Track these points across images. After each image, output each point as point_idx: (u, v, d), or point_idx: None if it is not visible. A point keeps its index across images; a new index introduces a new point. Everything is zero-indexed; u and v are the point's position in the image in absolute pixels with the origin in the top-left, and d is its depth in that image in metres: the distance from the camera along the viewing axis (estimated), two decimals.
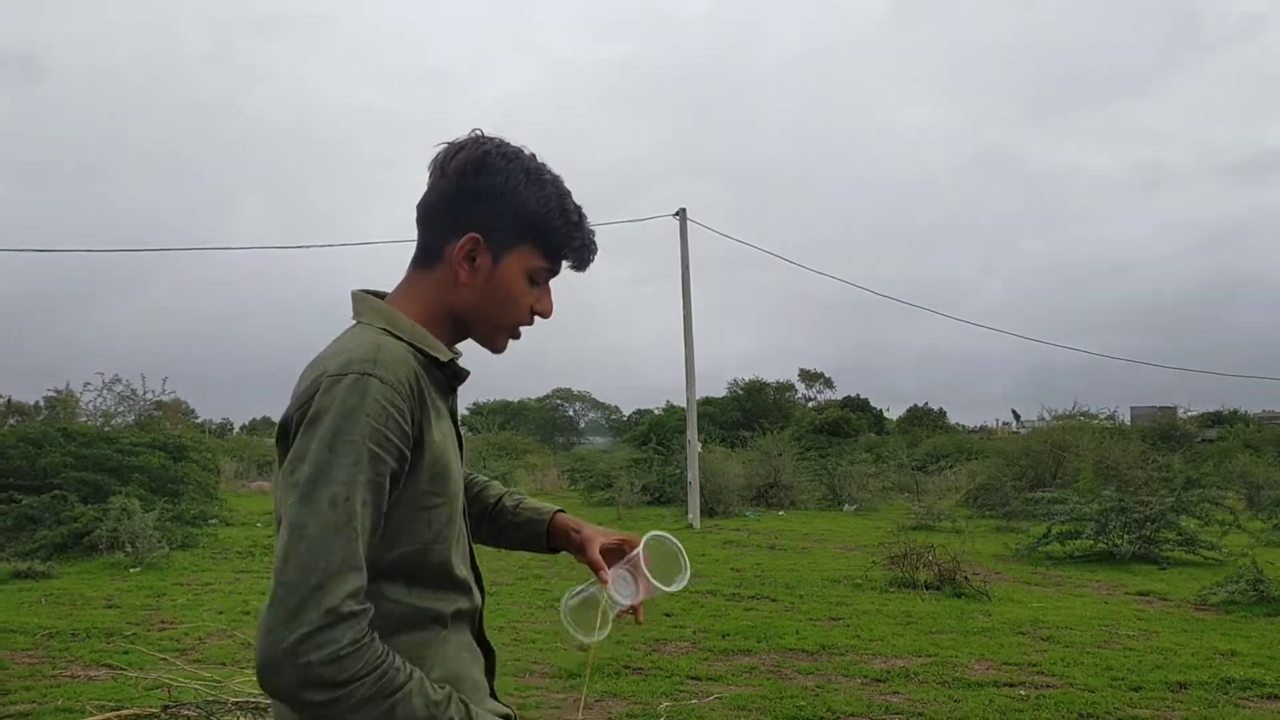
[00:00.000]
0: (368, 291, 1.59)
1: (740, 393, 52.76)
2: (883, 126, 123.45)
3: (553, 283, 1.65)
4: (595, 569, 1.76)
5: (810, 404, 60.28)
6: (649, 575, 1.73)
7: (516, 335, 1.65)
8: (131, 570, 11.74)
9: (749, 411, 47.06)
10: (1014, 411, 45.55)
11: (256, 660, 1.24)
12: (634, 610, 1.77)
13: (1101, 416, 28.50)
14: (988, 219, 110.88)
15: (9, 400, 24.13)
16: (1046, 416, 27.97)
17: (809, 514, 22.43)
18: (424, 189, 1.59)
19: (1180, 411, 44.40)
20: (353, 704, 1.25)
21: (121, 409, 22.06)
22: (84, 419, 21.50)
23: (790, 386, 58.89)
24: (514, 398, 62.38)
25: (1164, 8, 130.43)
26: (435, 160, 1.57)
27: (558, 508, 1.94)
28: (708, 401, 48.41)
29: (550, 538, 1.88)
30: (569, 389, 70.71)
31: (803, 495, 24.40)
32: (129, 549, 12.24)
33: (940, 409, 59.43)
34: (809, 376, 62.56)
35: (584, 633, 1.73)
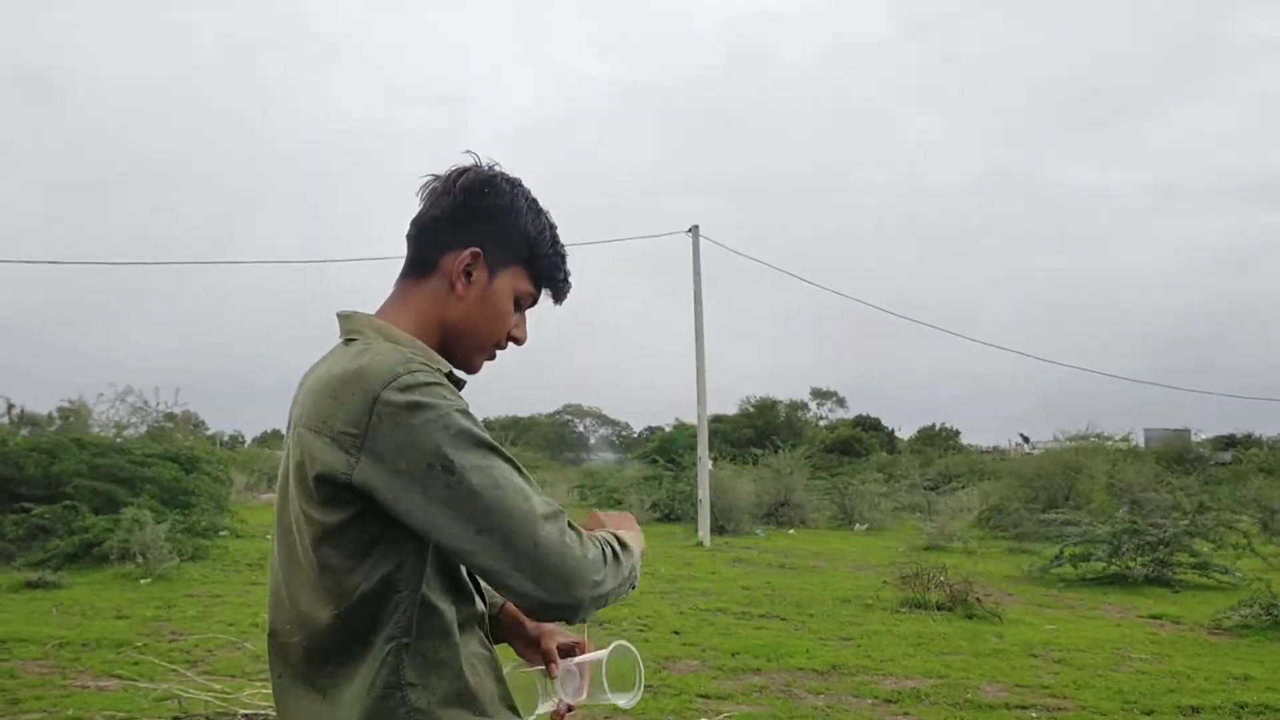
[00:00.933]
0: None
1: (751, 410, 52.66)
2: (893, 144, 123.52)
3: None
4: (547, 659, 1.72)
5: (822, 422, 60.18)
6: (605, 682, 1.65)
7: (493, 356, 1.67)
8: (142, 581, 11.75)
9: (760, 429, 46.97)
10: (1022, 435, 45.41)
11: (556, 608, 1.39)
12: (568, 709, 1.71)
13: (1115, 438, 28.37)
14: (998, 238, 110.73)
15: (22, 411, 24.19)
16: (1059, 437, 27.90)
17: (820, 533, 22.38)
18: (420, 209, 1.62)
19: (1194, 434, 44.27)
20: (613, 585, 1.45)
21: (134, 420, 22.19)
22: (97, 430, 21.60)
23: (802, 405, 58.84)
24: (524, 413, 62.43)
25: (1176, 29, 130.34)
26: (435, 182, 1.61)
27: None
28: (719, 419, 48.33)
29: (496, 625, 1.77)
30: (579, 405, 70.78)
31: (814, 514, 24.35)
32: (140, 560, 12.26)
33: (952, 429, 59.24)
34: (821, 395, 62.50)
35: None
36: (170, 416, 24.44)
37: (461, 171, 1.60)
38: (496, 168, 1.63)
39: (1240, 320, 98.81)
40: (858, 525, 23.78)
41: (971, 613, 10.39)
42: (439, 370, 1.44)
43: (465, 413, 1.38)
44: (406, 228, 1.63)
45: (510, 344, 1.68)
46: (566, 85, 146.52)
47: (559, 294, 1.69)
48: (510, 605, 1.77)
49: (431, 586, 1.44)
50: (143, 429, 22.31)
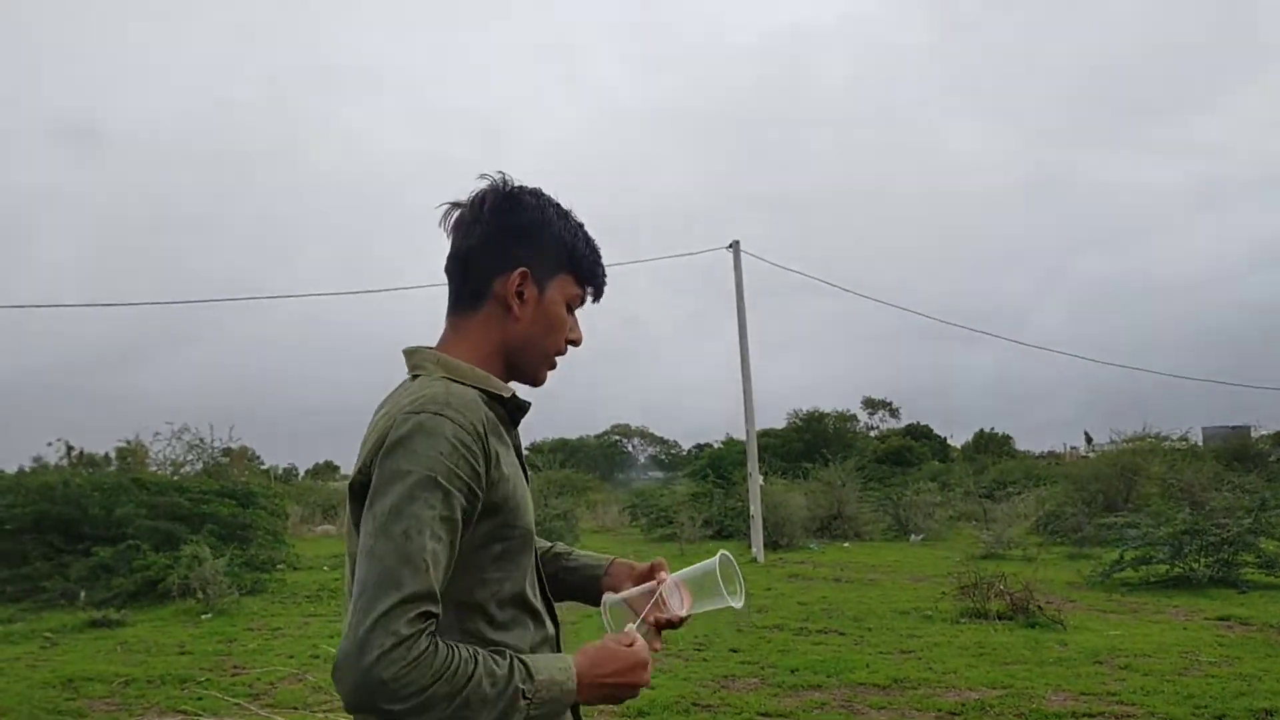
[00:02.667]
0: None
1: (800, 423, 52.34)
2: (934, 149, 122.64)
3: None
4: (655, 570, 1.81)
5: (873, 433, 59.68)
6: (720, 585, 1.75)
7: (554, 365, 1.73)
8: (203, 617, 11.90)
9: (809, 442, 46.68)
10: (1086, 434, 44.64)
11: (339, 681, 1.31)
12: (670, 623, 1.75)
13: (1173, 438, 27.86)
14: (1045, 238, 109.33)
15: (81, 452, 24.63)
16: (1115, 439, 27.45)
17: (874, 545, 22.18)
18: (452, 242, 1.67)
19: (1254, 430, 43.33)
20: (432, 706, 1.31)
21: (190, 457, 22.47)
22: (154, 468, 21.92)
23: (852, 416, 58.35)
24: (573, 435, 62.54)
25: (1220, 19, 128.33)
26: (461, 211, 1.66)
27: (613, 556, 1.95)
28: (767, 433, 48.10)
29: (604, 579, 1.90)
30: (627, 425, 70.76)
31: (867, 526, 24.12)
32: (200, 595, 12.42)
33: (1005, 434, 58.48)
34: (872, 404, 61.99)
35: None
36: (226, 452, 24.74)
37: (484, 196, 1.64)
38: (514, 182, 1.67)
39: None
40: (913, 536, 23.53)
41: (1033, 621, 10.24)
42: (484, 400, 1.52)
43: (452, 466, 1.40)
44: (443, 262, 1.68)
45: (570, 347, 1.74)
46: (603, 107, 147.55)
47: (599, 292, 1.75)
48: (619, 564, 1.90)
49: (481, 618, 1.49)
50: (199, 466, 22.60)
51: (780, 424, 52.61)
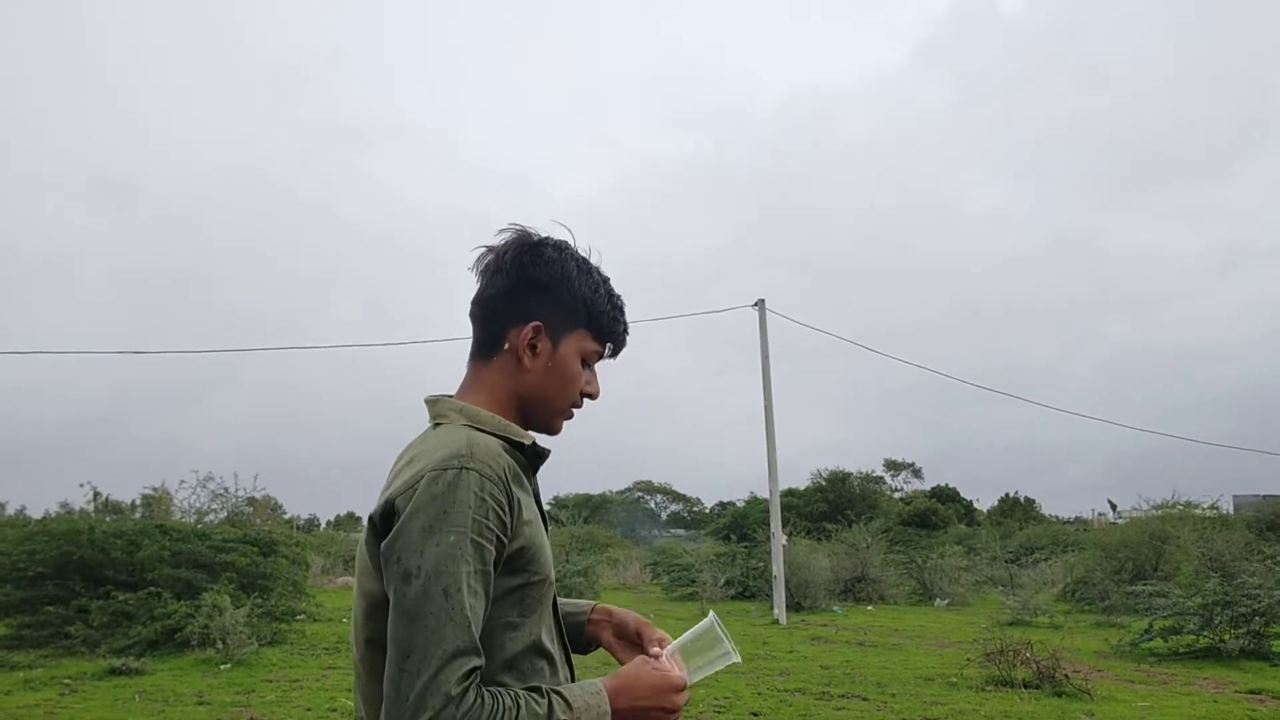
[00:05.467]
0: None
1: (824, 483, 52.04)
2: (956, 211, 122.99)
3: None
4: (645, 638, 1.84)
5: (897, 494, 59.22)
6: (724, 637, 1.80)
7: (570, 416, 1.74)
8: (222, 667, 11.86)
9: (833, 502, 46.41)
10: (1110, 502, 44.19)
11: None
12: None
13: (1204, 505, 27.48)
14: (1068, 302, 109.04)
15: (107, 498, 24.76)
16: (1144, 506, 27.10)
17: (899, 609, 21.91)
18: (477, 288, 1.70)
19: None
20: None
21: (214, 506, 22.52)
22: (178, 516, 21.99)
23: (878, 478, 58.01)
24: (595, 491, 62.38)
25: (1241, 86, 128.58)
26: (485, 259, 1.68)
27: (593, 602, 1.96)
28: (790, 493, 47.84)
29: (588, 627, 1.90)
30: (649, 481, 70.52)
31: (892, 589, 23.86)
32: (220, 645, 12.39)
33: (1031, 499, 57.90)
34: (895, 466, 61.61)
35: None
36: (250, 501, 24.80)
37: (509, 246, 1.67)
38: (541, 234, 1.69)
39: None
40: (938, 600, 23.25)
41: (1060, 690, 10.07)
42: (505, 448, 1.55)
43: (481, 519, 1.42)
44: (469, 307, 1.70)
45: (586, 400, 1.74)
46: (628, 163, 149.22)
47: (618, 347, 1.76)
48: (599, 609, 1.90)
49: (501, 665, 1.50)
50: (223, 515, 22.66)
51: (804, 483, 52.36)
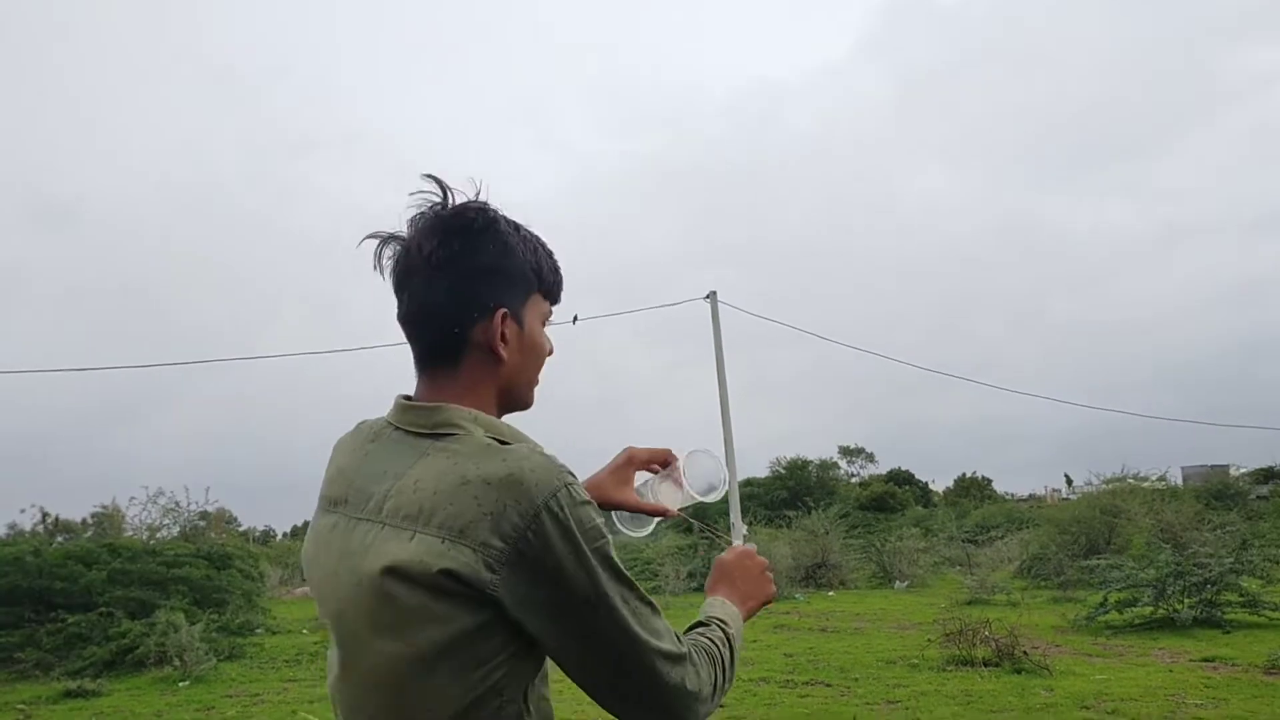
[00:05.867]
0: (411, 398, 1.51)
1: (782, 471, 52.28)
2: (900, 199, 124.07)
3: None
4: (667, 460, 1.92)
5: (854, 479, 59.64)
6: (687, 485, 1.90)
7: (538, 383, 1.63)
8: (180, 684, 11.70)
9: (792, 490, 46.63)
10: (1066, 476, 44.83)
11: (698, 704, 1.42)
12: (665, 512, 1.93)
13: (1152, 478, 27.97)
14: (1013, 284, 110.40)
15: (56, 518, 24.35)
16: (1095, 481, 27.54)
17: (859, 593, 22.09)
18: (408, 293, 1.49)
19: (1233, 469, 43.56)
20: (717, 694, 1.47)
21: (166, 521, 22.20)
22: (130, 533, 21.66)
23: (834, 464, 58.36)
24: None
25: (1176, 67, 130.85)
26: (404, 258, 1.49)
27: None
28: (750, 482, 48.02)
29: None
30: None
31: (852, 574, 24.05)
32: (177, 663, 12.22)
33: (986, 477, 58.61)
34: (849, 452, 62.00)
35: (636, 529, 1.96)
36: (204, 515, 24.49)
37: (431, 236, 1.47)
38: (454, 204, 1.50)
39: (1259, 352, 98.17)
40: (898, 583, 23.46)
41: (1019, 666, 10.20)
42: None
43: (610, 540, 1.36)
44: (403, 314, 1.51)
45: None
46: (577, 164, 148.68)
47: (560, 293, 1.63)
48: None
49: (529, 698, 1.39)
50: (175, 530, 22.35)
51: (763, 472, 52.58)
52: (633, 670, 1.35)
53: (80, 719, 9.95)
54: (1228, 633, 12.45)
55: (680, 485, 1.90)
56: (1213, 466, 47.84)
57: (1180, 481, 40.69)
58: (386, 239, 1.51)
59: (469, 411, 1.44)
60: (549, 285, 1.57)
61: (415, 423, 1.44)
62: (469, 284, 1.46)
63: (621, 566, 1.35)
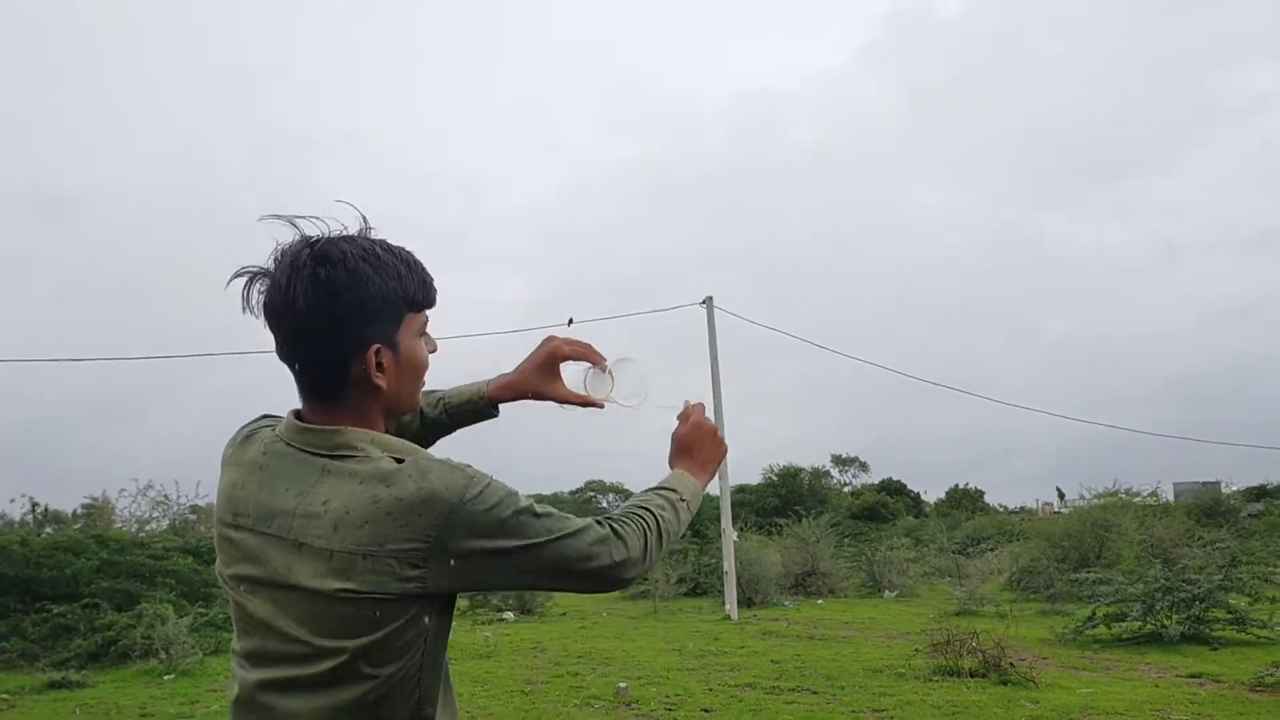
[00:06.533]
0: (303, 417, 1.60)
1: (775, 479, 52.31)
2: (899, 211, 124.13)
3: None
4: (595, 357, 2.06)
5: (846, 489, 59.67)
6: (616, 389, 2.06)
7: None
8: (165, 678, 11.67)
9: (784, 497, 46.64)
10: (1059, 490, 44.88)
11: (634, 568, 1.66)
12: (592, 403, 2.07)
13: (1144, 494, 28.01)
14: (1011, 298, 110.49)
15: (46, 509, 24.26)
16: (1087, 495, 27.56)
17: (849, 602, 22.09)
18: (278, 334, 1.55)
19: (1224, 486, 43.62)
20: (656, 555, 1.73)
21: (156, 514, 22.17)
22: (119, 525, 21.62)
23: (826, 472, 58.40)
24: (548, 490, 62.22)
25: (1177, 85, 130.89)
26: (272, 301, 1.53)
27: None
28: (742, 489, 48.03)
29: (493, 388, 2.08)
30: (602, 481, 70.43)
31: (842, 583, 24.04)
32: (163, 656, 12.18)
33: (978, 489, 58.67)
34: (842, 461, 62.06)
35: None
36: (195, 509, 24.44)
37: (290, 281, 1.51)
38: (312, 242, 1.54)
39: (1255, 370, 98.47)
40: (887, 592, 23.46)
41: (1006, 678, 10.19)
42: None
43: (517, 494, 1.55)
44: (278, 350, 1.57)
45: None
46: (577, 166, 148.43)
47: (434, 299, 1.66)
48: (496, 384, 2.08)
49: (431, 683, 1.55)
50: (164, 523, 22.31)
51: (755, 479, 52.60)
52: (572, 571, 1.58)
53: (63, 710, 9.91)
54: (1215, 650, 12.46)
55: (608, 387, 2.05)
56: (1205, 483, 47.96)
57: (1172, 497, 40.70)
58: (252, 276, 1.55)
59: (366, 433, 1.55)
60: (418, 301, 1.62)
61: (314, 444, 1.54)
62: (339, 327, 1.52)
63: (533, 506, 1.54)
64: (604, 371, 2.05)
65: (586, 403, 2.05)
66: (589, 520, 1.63)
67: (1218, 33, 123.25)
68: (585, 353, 2.05)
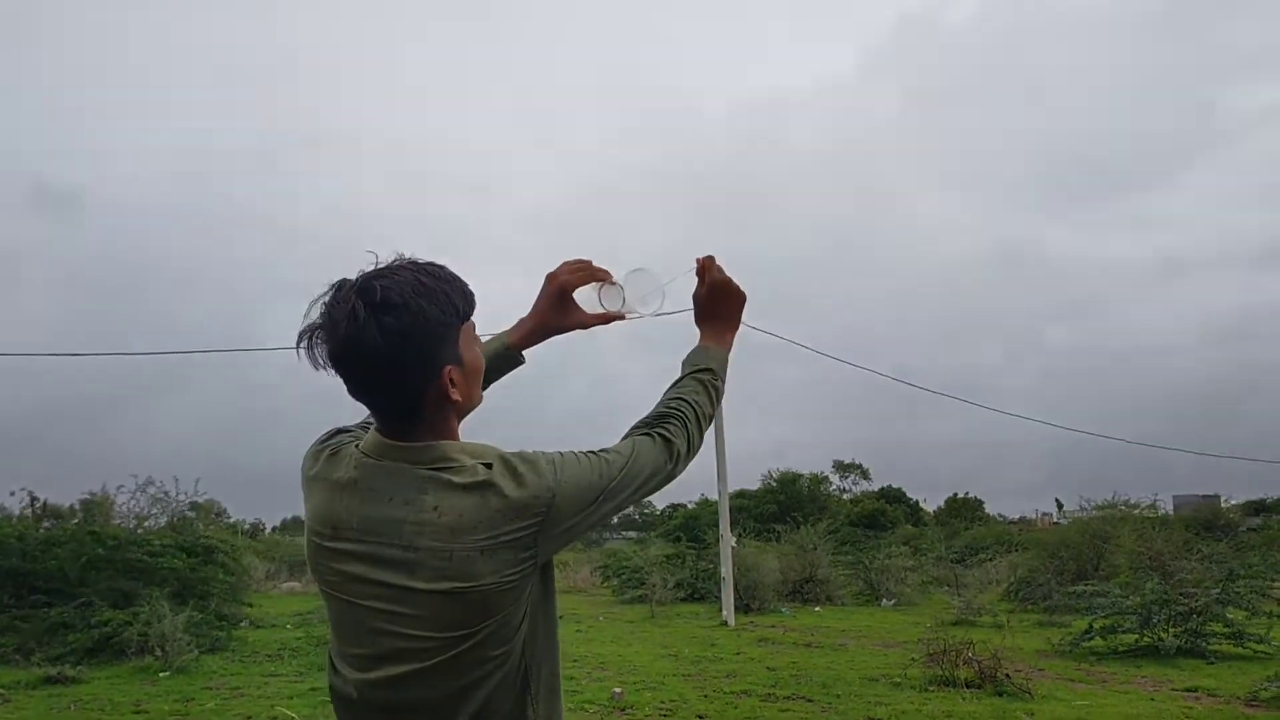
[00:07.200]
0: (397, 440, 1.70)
1: (774, 485, 52.27)
2: (903, 218, 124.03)
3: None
4: (601, 276, 2.11)
5: (846, 495, 59.63)
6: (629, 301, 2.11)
7: None
8: (161, 675, 11.67)
9: (783, 504, 46.61)
10: (1057, 501, 44.80)
11: (683, 462, 1.90)
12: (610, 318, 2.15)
13: (1143, 506, 27.95)
14: (1012, 308, 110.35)
15: (44, 503, 24.21)
16: (1086, 506, 27.52)
17: (846, 610, 22.06)
18: (351, 382, 1.66)
19: (1223, 500, 43.60)
20: (698, 441, 1.95)
21: (155, 511, 22.10)
22: (118, 521, 21.58)
23: (825, 478, 58.36)
24: None
25: (1180, 98, 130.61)
26: (342, 354, 1.61)
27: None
28: (741, 494, 48.01)
29: (514, 337, 2.16)
30: None
31: (840, 590, 24.00)
32: (158, 653, 12.18)
33: (978, 498, 58.60)
34: (844, 467, 61.99)
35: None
36: (194, 506, 24.38)
37: (355, 330, 1.58)
38: (373, 294, 1.60)
39: (1254, 385, 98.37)
40: (884, 601, 23.43)
41: (1001, 689, 10.18)
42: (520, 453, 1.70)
43: (572, 451, 1.72)
44: (352, 391, 1.68)
45: None
46: (582, 170, 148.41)
47: (475, 306, 1.77)
48: (517, 333, 2.16)
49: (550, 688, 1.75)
50: (163, 520, 22.26)
51: (755, 485, 52.56)
52: (640, 487, 1.79)
53: (58, 705, 9.91)
54: (1212, 663, 12.44)
55: (621, 299, 2.11)
56: (1204, 497, 47.92)
57: (1171, 510, 40.68)
58: (313, 333, 1.63)
59: (456, 444, 1.69)
60: (467, 314, 1.72)
61: (410, 458, 1.66)
62: (413, 364, 1.63)
63: (593, 454, 1.74)
64: (615, 284, 2.09)
65: (608, 319, 2.14)
66: (639, 438, 1.83)
67: (1221, 48, 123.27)
68: (589, 274, 2.11)
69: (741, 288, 2.13)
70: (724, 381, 2.06)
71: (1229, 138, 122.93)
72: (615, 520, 69.76)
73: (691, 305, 2.16)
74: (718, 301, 2.11)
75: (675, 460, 1.85)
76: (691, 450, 1.90)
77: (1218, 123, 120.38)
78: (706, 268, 2.10)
